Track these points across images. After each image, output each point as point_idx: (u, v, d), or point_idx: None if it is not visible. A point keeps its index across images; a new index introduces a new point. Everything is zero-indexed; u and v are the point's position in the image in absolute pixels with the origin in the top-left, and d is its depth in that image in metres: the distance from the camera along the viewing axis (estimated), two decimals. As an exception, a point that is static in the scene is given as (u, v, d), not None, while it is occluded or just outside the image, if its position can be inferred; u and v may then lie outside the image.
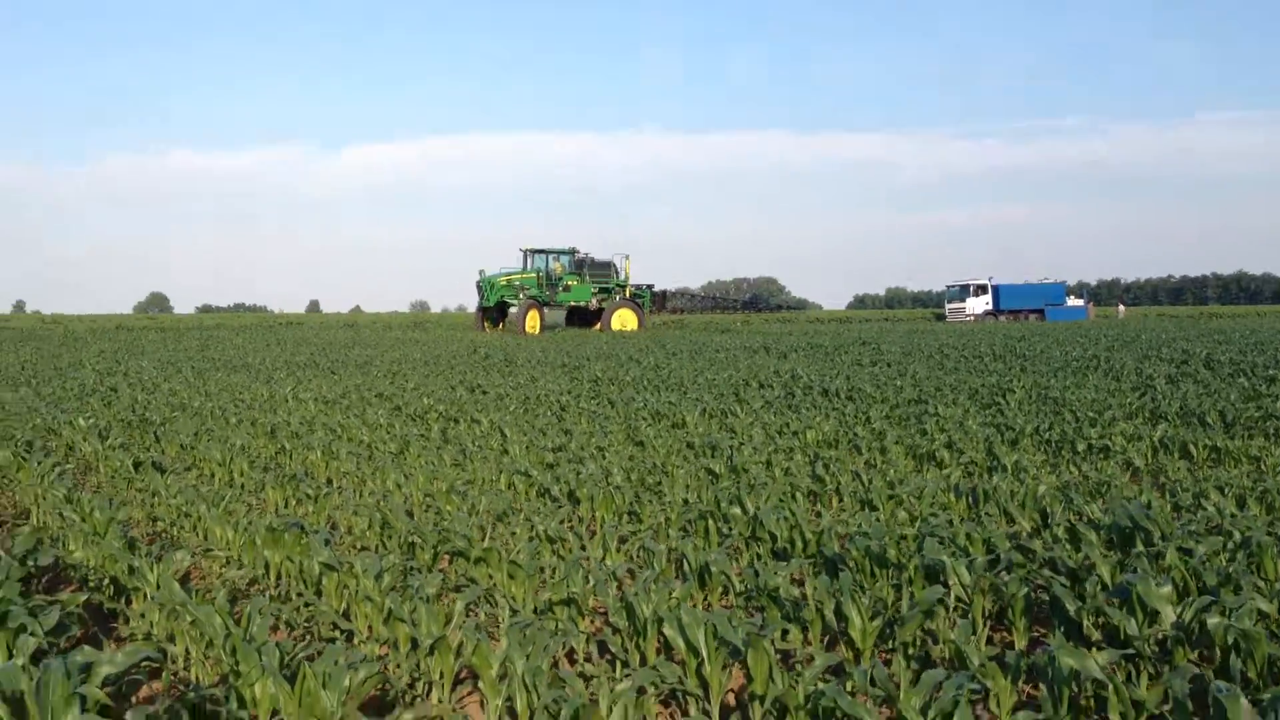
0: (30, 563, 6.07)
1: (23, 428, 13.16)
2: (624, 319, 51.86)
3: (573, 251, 53.25)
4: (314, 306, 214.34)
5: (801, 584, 6.19)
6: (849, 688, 4.20)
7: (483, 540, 6.76)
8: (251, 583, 6.65)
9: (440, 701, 4.80)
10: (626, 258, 54.48)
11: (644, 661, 5.05)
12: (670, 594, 5.34)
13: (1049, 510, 7.60)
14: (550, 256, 52.71)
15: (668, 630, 4.80)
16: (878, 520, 7.36)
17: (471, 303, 64.32)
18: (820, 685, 4.16)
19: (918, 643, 5.12)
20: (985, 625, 5.33)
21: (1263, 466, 9.81)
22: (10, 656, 4.33)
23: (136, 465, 10.25)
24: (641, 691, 4.31)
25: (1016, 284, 71.39)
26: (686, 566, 6.25)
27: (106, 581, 6.42)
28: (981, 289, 70.59)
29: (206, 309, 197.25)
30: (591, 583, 5.76)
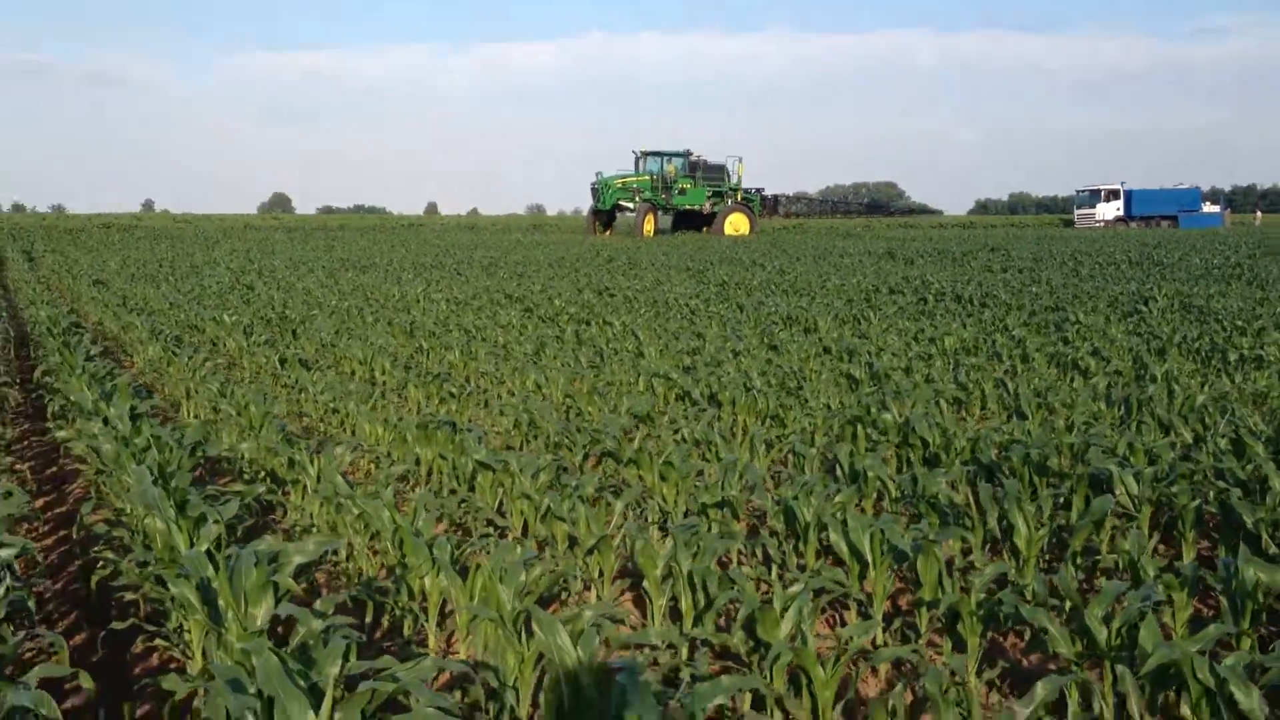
0: (199, 454, 6.25)
1: (168, 323, 13.58)
2: (736, 224, 50.52)
3: (687, 154, 51.77)
4: (432, 208, 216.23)
5: (958, 491, 6.08)
6: (1027, 596, 4.14)
7: (631, 442, 6.76)
8: (403, 478, 6.76)
9: (599, 599, 4.86)
10: (739, 160, 52.79)
11: (802, 567, 5.04)
12: (832, 498, 5.29)
13: (1208, 421, 7.37)
14: (664, 159, 51.41)
15: (832, 535, 4.77)
16: (1029, 429, 7.22)
17: (585, 206, 64.06)
18: (998, 594, 4.10)
19: (1086, 554, 5.02)
20: (1153, 538, 5.19)
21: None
22: (191, 545, 4.46)
23: (282, 362, 10.50)
24: (818, 594, 4.29)
25: (1149, 189, 68.78)
26: (839, 471, 6.19)
27: (263, 474, 6.59)
28: (1113, 194, 68.11)
29: (327, 210, 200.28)
30: (748, 486, 5.75)
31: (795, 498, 5.17)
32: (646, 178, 50.38)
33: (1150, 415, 7.67)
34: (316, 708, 2.79)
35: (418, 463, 6.83)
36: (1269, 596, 4.24)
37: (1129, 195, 68.07)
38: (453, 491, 6.35)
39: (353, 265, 26.22)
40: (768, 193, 58.21)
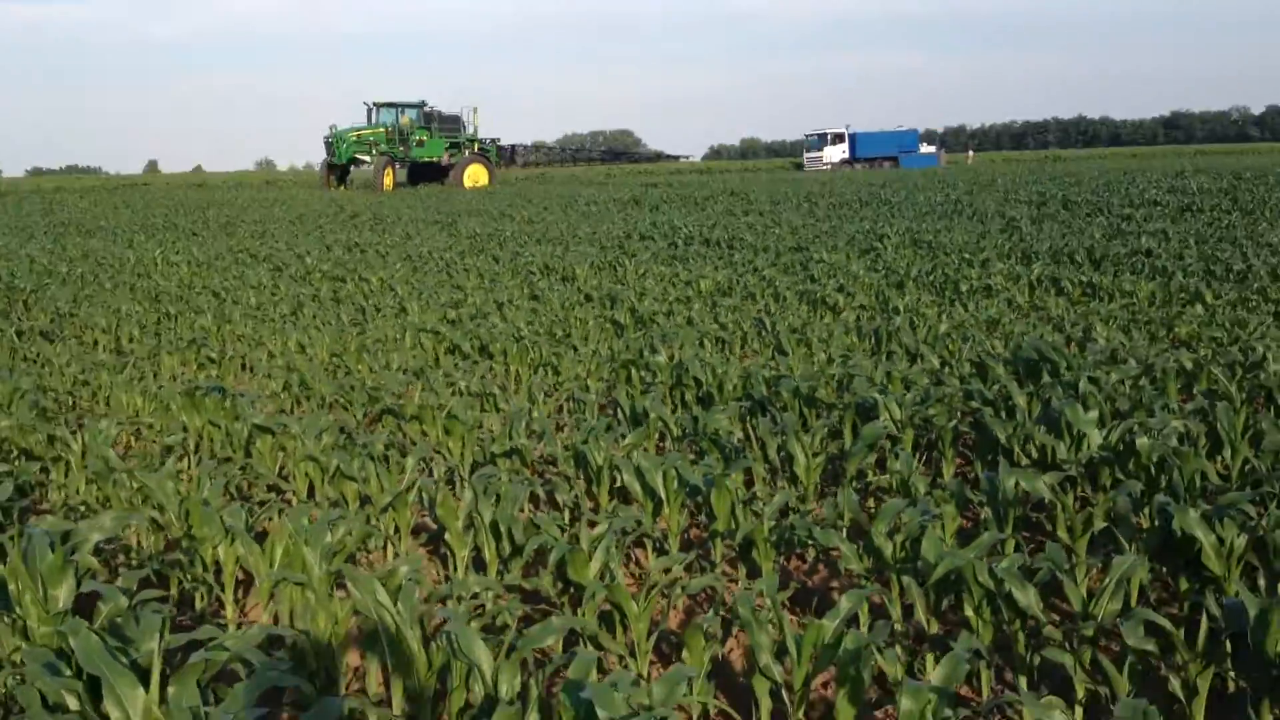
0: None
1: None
2: (475, 175, 49.63)
3: (422, 104, 50.43)
4: (152, 167, 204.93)
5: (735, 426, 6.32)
6: (813, 521, 4.39)
7: (410, 398, 6.72)
8: (168, 450, 6.48)
9: (398, 556, 4.85)
10: (474, 110, 52.00)
11: (596, 509, 5.16)
12: (619, 441, 5.43)
13: (951, 348, 7.89)
14: (399, 110, 49.98)
15: (625, 476, 4.91)
16: (791, 364, 7.57)
17: (317, 160, 61.89)
18: (789, 520, 4.33)
19: (859, 478, 5.34)
20: (917, 458, 5.56)
21: (1136, 299, 10.25)
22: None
23: (19, 334, 9.87)
24: (622, 534, 4.41)
25: (871, 132, 72.14)
26: (620, 414, 6.35)
27: (16, 453, 6.23)
28: (839, 137, 71.10)
29: (37, 171, 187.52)
30: (535, 433, 5.83)
31: (585, 442, 5.29)
32: (381, 130, 48.88)
33: (899, 345, 8.16)
34: (145, 684, 2.72)
35: (185, 431, 6.58)
36: (1026, 505, 4.65)
37: (853, 138, 71.19)
38: (227, 460, 6.16)
39: (77, 229, 24.70)
40: (504, 142, 57.50)
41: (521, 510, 5.22)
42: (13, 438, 6.33)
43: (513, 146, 60.13)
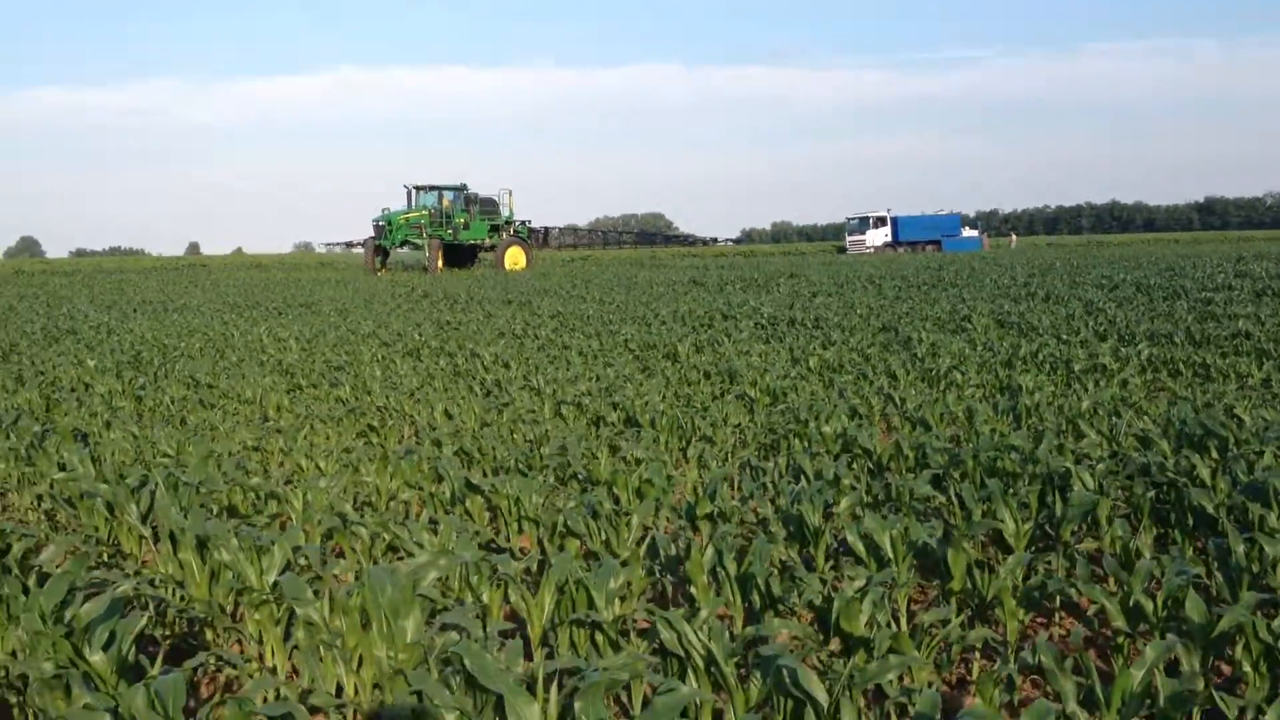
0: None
1: (42, 377, 12.92)
2: (515, 257, 50.26)
3: (463, 187, 51.18)
4: (194, 248, 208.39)
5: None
6: (1061, 576, 4.60)
7: (595, 463, 6.97)
8: (405, 505, 6.75)
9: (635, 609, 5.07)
10: (510, 193, 52.76)
11: (810, 568, 5.38)
12: (836, 502, 5.67)
13: (1096, 423, 8.09)
14: (440, 193, 50.61)
15: (849, 536, 5.14)
16: (929, 438, 7.79)
17: (355, 241, 62.57)
18: (1037, 576, 4.54)
19: (1064, 545, 5.54)
20: (1111, 526, 5.76)
21: (1250, 381, 10.44)
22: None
23: (172, 401, 10.22)
24: (884, 587, 4.63)
25: (914, 215, 72.86)
26: (805, 479, 6.58)
27: (218, 511, 6.49)
28: (881, 221, 71.88)
29: (81, 253, 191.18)
30: (742, 496, 6.08)
31: (799, 505, 5.52)
32: (425, 212, 49.63)
33: (1040, 420, 8.38)
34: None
35: (378, 493, 6.83)
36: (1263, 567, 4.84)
37: (895, 222, 71.87)
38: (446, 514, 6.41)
39: (162, 307, 25.26)
40: (535, 225, 58.19)
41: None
42: (218, 498, 6.62)
43: (545, 229, 60.98)
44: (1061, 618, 4.84)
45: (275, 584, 4.47)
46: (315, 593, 4.19)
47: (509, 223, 52.44)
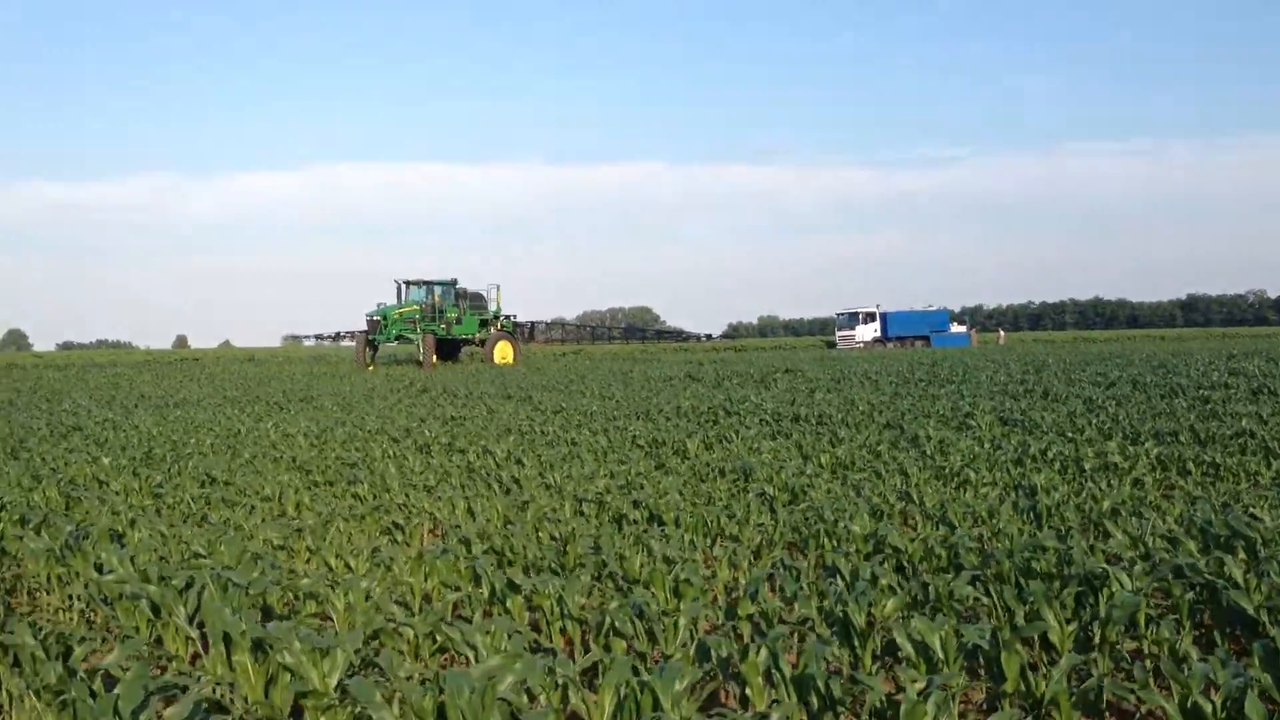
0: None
1: (56, 474, 12.90)
2: (504, 351, 50.55)
3: (453, 282, 51.58)
4: (181, 341, 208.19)
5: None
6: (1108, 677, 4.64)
7: (630, 561, 7.01)
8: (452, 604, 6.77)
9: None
10: (497, 288, 53.28)
11: (856, 669, 5.41)
12: (883, 604, 5.71)
13: (1120, 523, 8.16)
14: (429, 287, 50.89)
15: (898, 637, 5.18)
16: (958, 537, 7.85)
17: (345, 336, 62.77)
18: (1092, 680, 4.59)
19: (1104, 645, 5.59)
20: (1150, 628, 5.82)
21: (1261, 480, 10.54)
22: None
23: (193, 499, 10.22)
24: (944, 690, 4.67)
25: (903, 311, 73.47)
26: (840, 580, 6.62)
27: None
28: (870, 316, 72.45)
29: (68, 345, 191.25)
30: (785, 596, 6.12)
31: (846, 604, 5.57)
32: (417, 307, 49.79)
33: (1062, 520, 8.46)
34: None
35: (411, 593, 6.85)
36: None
37: (884, 317, 72.44)
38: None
39: (161, 401, 25.27)
40: (521, 319, 58.44)
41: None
42: (253, 598, 6.63)
43: (531, 323, 61.28)
44: (1111, 720, 4.87)
45: (340, 686, 4.49)
46: (381, 696, 4.22)
47: (496, 317, 52.80)
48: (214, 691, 4.72)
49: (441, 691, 3.93)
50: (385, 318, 49.12)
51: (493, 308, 52.78)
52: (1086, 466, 11.29)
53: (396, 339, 50.04)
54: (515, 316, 55.22)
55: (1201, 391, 20.02)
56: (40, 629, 5.21)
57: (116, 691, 4.01)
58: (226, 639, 5.13)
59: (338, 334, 65.52)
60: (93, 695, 4.34)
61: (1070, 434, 14.09)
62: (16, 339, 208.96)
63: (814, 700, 4.67)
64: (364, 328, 50.35)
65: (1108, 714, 4.93)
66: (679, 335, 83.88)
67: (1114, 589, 5.94)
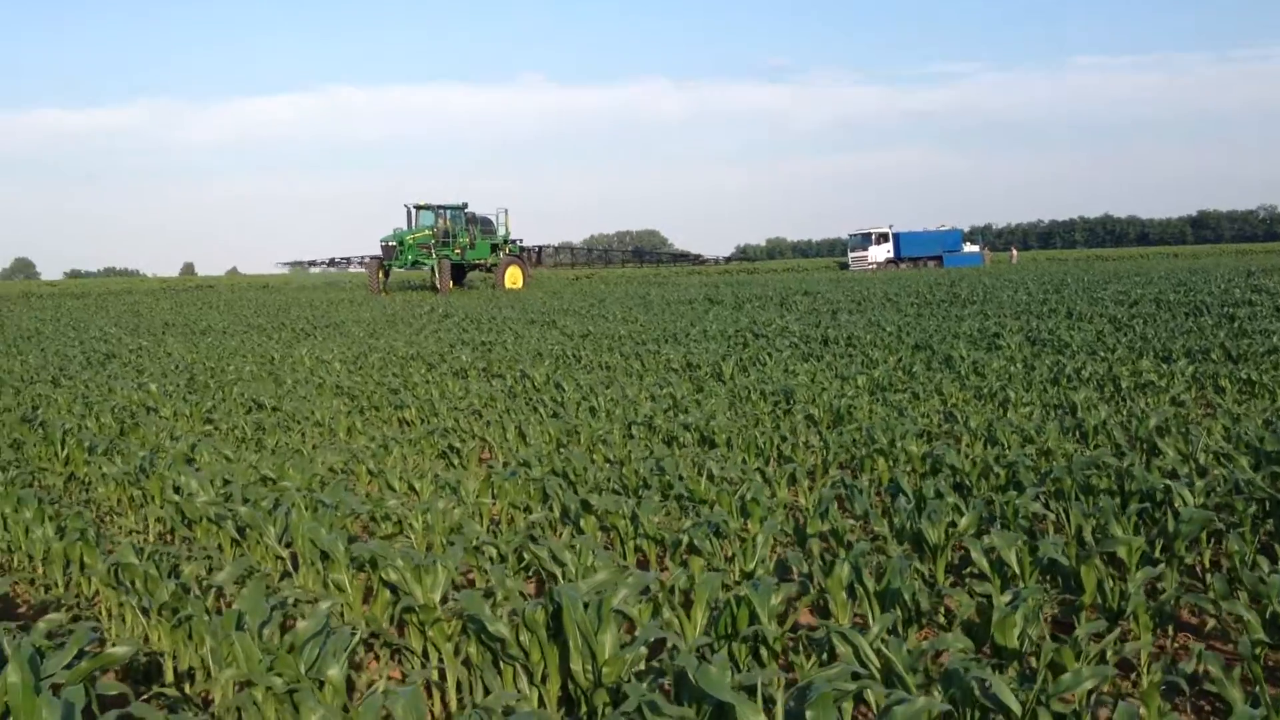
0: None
1: (106, 401, 13.06)
2: (514, 276, 50.38)
3: (463, 206, 50.97)
4: (188, 269, 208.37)
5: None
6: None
7: (694, 480, 7.15)
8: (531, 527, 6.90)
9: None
10: (506, 212, 52.86)
11: (931, 582, 5.56)
12: (952, 520, 5.85)
13: (1166, 441, 8.28)
14: (439, 212, 50.20)
15: (973, 552, 5.33)
16: (1030, 452, 7.99)
17: (348, 259, 62.49)
18: (1168, 592, 4.73)
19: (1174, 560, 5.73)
20: (1214, 542, 5.97)
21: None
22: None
23: (256, 426, 10.38)
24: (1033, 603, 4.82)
25: (916, 232, 73.17)
26: (904, 497, 6.76)
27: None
28: (883, 237, 72.18)
29: (75, 274, 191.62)
30: (854, 514, 6.27)
31: (924, 522, 5.71)
32: (429, 232, 49.31)
33: (1110, 437, 8.59)
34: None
35: (479, 517, 7.00)
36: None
37: (897, 238, 72.16)
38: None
39: (187, 330, 25.43)
40: (527, 244, 58.15)
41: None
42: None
43: (539, 248, 60.94)
44: (1175, 632, 5.02)
45: (444, 599, 4.65)
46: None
47: (506, 242, 52.56)
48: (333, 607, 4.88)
49: (555, 605, 4.08)
50: (401, 243, 48.76)
51: (501, 232, 52.42)
52: (1123, 385, 11.40)
53: (413, 265, 49.69)
54: (522, 241, 54.97)
55: (1226, 309, 20.06)
56: (140, 548, 5.37)
57: (238, 607, 4.15)
58: (323, 557, 5.29)
59: (347, 259, 65.11)
60: (208, 612, 4.50)
61: (1102, 353, 14.18)
62: (24, 267, 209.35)
63: (898, 613, 4.82)
64: (377, 253, 50.10)
65: (1176, 626, 5.08)
66: (694, 259, 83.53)
67: (1177, 504, 6.08)
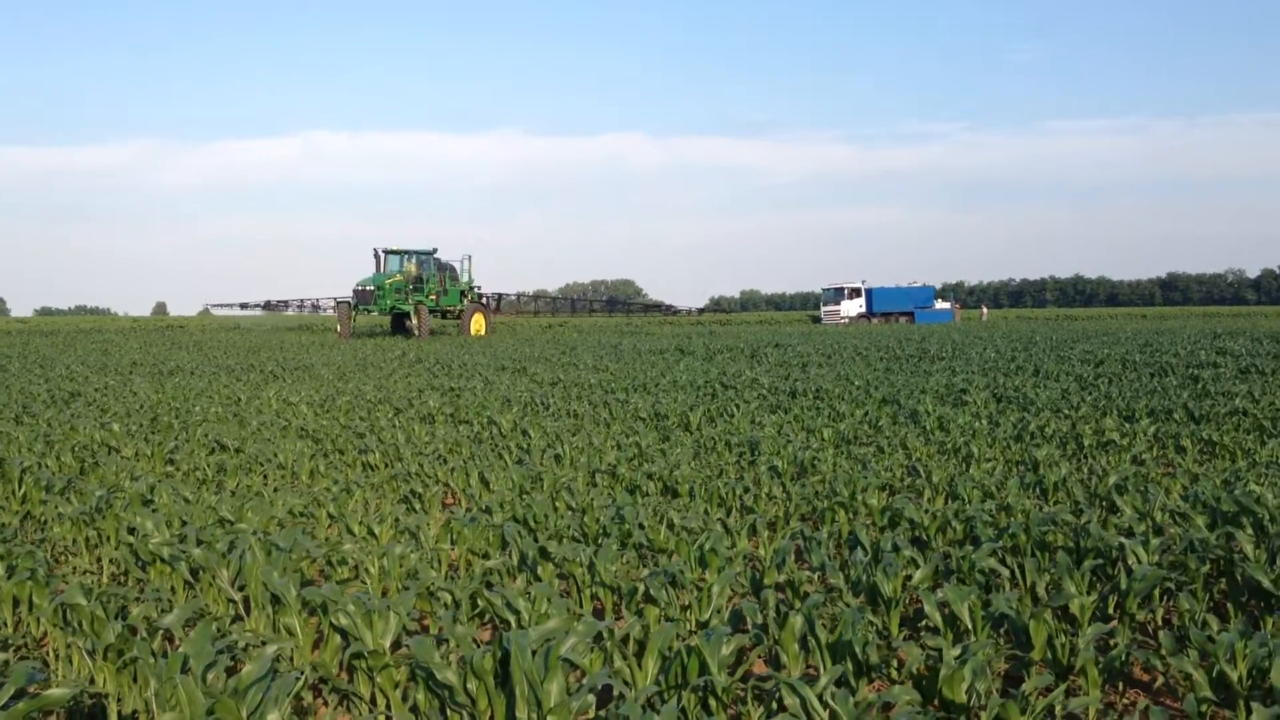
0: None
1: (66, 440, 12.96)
2: (479, 323, 50.31)
3: (433, 251, 50.50)
4: (160, 308, 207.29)
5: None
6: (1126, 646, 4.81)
7: (654, 530, 7.15)
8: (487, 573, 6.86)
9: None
10: (469, 259, 52.51)
11: (884, 635, 5.57)
12: (908, 574, 5.87)
13: (1125, 499, 8.34)
14: (406, 257, 49.83)
15: (926, 606, 5.35)
16: (973, 508, 8.03)
17: (318, 303, 62.54)
18: (1117, 648, 4.75)
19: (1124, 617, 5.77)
20: (1165, 600, 6.01)
21: (1256, 458, 10.74)
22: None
23: (221, 469, 10.32)
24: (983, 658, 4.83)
25: (888, 287, 73.73)
26: (861, 551, 6.78)
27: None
28: (855, 292, 72.72)
29: (46, 311, 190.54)
30: (810, 566, 6.27)
31: (866, 575, 5.73)
32: (400, 277, 48.72)
33: (1069, 495, 8.64)
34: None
35: (437, 563, 6.97)
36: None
37: (869, 293, 72.69)
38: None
39: (153, 370, 25.27)
40: (497, 291, 58.04)
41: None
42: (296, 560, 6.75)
43: (499, 295, 60.85)
44: (1124, 689, 5.05)
45: (395, 645, 4.62)
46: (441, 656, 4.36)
47: (470, 288, 52.39)
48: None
49: (503, 652, 4.07)
50: (380, 288, 47.88)
51: (464, 279, 52.13)
52: (1085, 443, 11.49)
53: (391, 310, 49.16)
54: (481, 287, 54.55)
55: (1191, 370, 20.27)
56: (89, 589, 5.32)
57: (183, 650, 4.11)
58: (275, 601, 5.25)
59: (315, 302, 65.06)
60: (154, 655, 4.46)
61: (1066, 411, 14.29)
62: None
63: (849, 666, 4.83)
64: (339, 296, 49.71)
65: (1127, 683, 5.11)
66: (666, 309, 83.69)
67: (1131, 562, 6.13)
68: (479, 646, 4.45)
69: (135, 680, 4.52)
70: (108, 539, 7.23)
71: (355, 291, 48.54)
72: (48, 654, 5.50)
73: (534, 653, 3.97)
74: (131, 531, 6.91)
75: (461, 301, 51.37)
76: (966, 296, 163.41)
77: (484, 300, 54.98)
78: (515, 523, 7.86)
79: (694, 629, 5.64)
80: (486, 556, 6.93)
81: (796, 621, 5.04)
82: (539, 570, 6.40)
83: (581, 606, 6.19)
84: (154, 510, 7.48)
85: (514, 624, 5.21)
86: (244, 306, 72.62)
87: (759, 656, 5.28)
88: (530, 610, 5.22)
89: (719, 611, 5.60)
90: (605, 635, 4.76)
